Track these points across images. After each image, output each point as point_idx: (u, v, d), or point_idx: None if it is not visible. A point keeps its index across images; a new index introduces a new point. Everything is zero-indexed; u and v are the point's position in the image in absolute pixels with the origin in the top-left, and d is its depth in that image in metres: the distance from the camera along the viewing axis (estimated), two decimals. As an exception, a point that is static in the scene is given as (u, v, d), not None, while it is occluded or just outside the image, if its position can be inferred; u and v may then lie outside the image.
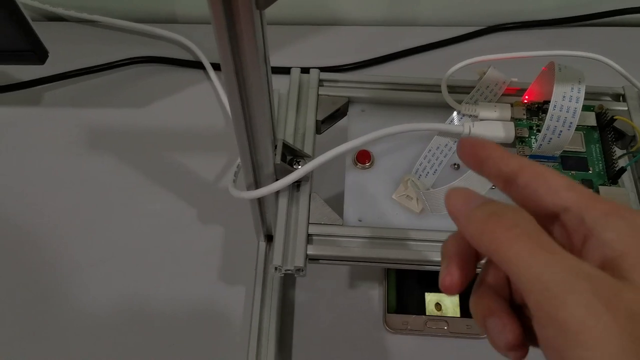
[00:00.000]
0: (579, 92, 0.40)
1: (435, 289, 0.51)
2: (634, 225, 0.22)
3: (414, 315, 0.50)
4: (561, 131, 0.40)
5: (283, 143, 0.41)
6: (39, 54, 0.50)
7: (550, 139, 0.40)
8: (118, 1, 0.71)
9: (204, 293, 0.53)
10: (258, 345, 0.47)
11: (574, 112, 0.39)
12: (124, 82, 0.67)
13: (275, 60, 0.65)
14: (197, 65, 0.67)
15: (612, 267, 0.21)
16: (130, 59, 0.67)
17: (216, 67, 0.66)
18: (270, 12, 0.29)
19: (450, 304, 0.51)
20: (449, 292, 0.24)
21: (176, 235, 0.56)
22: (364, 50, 0.68)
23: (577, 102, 0.39)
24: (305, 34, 0.71)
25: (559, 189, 0.23)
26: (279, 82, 0.45)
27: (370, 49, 0.68)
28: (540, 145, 0.41)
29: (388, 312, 0.51)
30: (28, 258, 0.55)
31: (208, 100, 0.66)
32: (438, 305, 0.51)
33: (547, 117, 0.40)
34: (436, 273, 0.25)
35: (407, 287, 0.52)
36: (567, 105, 0.39)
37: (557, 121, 0.40)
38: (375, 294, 0.53)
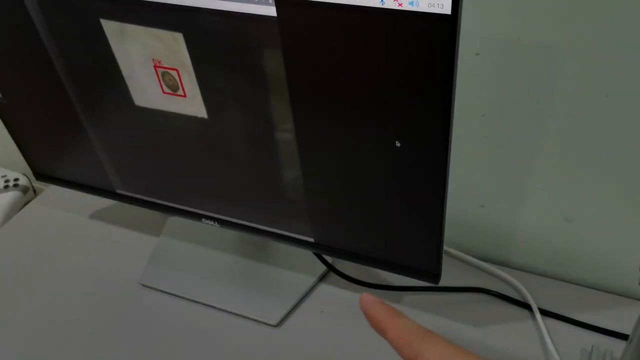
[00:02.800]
0: None
1: None
2: None
3: None
4: None
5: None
6: (438, 276, 0.70)
7: None
8: (467, 240, 0.93)
9: None
10: None
11: None
12: (461, 303, 0.85)
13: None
14: (524, 305, 0.83)
15: None
16: (469, 287, 0.86)
17: (542, 311, 0.81)
18: None
19: None
20: None
21: None
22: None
23: None
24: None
25: None
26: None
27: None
28: None
29: None
30: None
31: (528, 338, 0.79)
32: None
33: None
34: None
35: None
36: None
37: None
38: None
